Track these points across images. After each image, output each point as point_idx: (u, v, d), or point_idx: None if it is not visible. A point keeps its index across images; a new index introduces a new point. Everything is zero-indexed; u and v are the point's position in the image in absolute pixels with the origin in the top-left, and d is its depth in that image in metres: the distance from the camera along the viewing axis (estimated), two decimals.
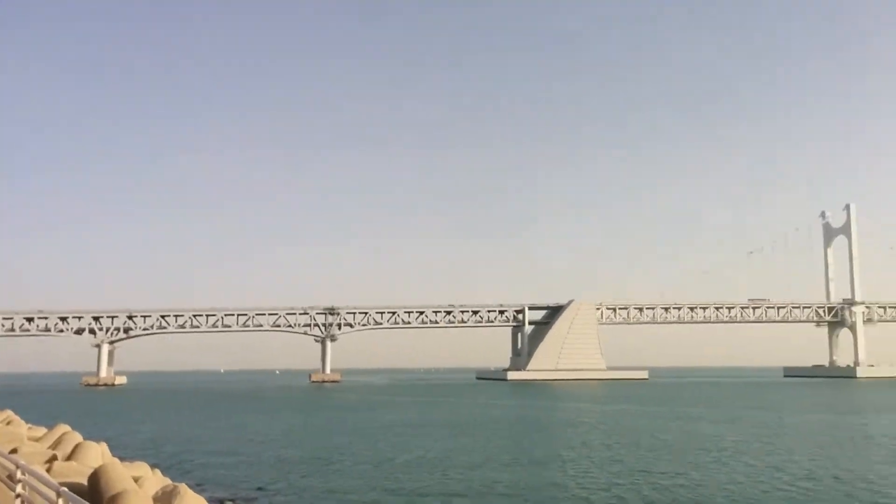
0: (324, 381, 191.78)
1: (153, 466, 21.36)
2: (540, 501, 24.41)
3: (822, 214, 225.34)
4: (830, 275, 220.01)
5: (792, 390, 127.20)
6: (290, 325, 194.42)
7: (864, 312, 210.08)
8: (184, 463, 34.62)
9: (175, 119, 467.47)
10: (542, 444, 42.70)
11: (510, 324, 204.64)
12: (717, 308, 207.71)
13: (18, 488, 10.77)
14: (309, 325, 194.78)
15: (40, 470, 12.60)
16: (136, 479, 15.40)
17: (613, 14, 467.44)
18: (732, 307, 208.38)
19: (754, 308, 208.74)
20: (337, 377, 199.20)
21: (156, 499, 10.96)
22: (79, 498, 6.88)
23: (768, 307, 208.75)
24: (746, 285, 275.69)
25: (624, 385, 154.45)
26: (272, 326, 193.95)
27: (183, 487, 11.34)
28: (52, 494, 9.03)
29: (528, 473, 30.62)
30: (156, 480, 16.57)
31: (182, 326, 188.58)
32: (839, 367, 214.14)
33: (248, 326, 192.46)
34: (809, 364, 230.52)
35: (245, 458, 36.77)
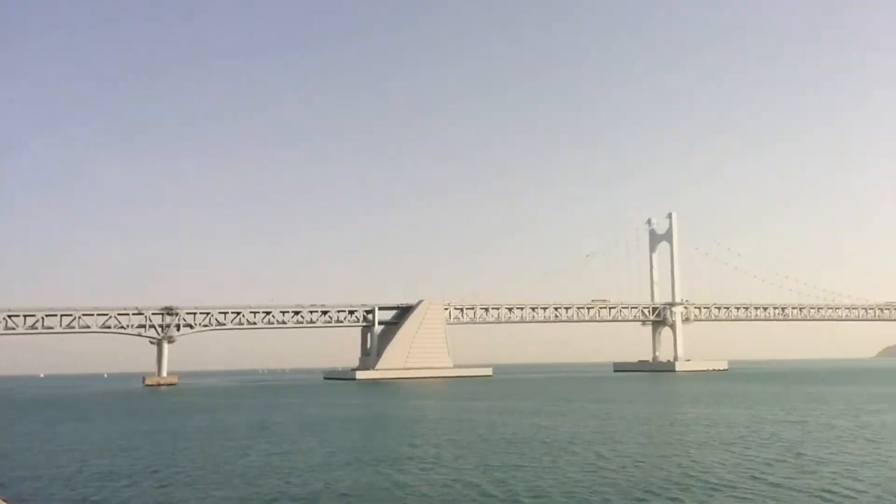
0: (159, 385, 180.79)
1: None
2: (381, 500, 24.51)
3: (649, 221, 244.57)
4: (655, 278, 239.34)
5: (620, 384, 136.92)
6: (122, 327, 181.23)
7: (682, 312, 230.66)
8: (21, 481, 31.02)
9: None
10: (385, 441, 42.92)
11: (360, 324, 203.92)
12: (556, 308, 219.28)
13: None
14: (144, 327, 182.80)
15: None
16: None
17: None
18: (570, 307, 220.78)
19: (589, 308, 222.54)
20: (174, 380, 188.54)
21: None
22: None
23: (601, 307, 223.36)
24: (583, 286, 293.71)
25: (469, 382, 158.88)
26: (101, 328, 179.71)
27: None
28: None
29: (369, 472, 30.65)
30: None
31: None
32: (661, 361, 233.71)
33: (73, 328, 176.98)
34: (636, 359, 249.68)
35: (64, 470, 33.79)
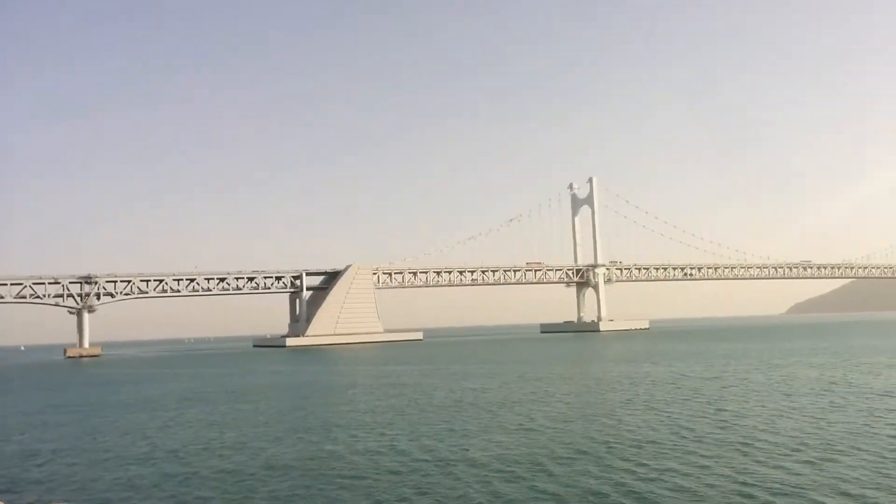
0: (81, 356, 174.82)
1: None
2: (310, 470, 24.97)
3: (570, 186, 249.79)
4: (577, 240, 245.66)
5: (546, 345, 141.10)
6: (37, 297, 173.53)
7: (604, 274, 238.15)
8: None
9: None
10: (316, 409, 43.31)
11: (288, 290, 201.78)
12: (483, 271, 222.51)
13: None
14: (62, 296, 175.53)
15: None
16: None
17: None
18: (497, 270, 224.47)
19: (515, 270, 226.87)
20: (97, 351, 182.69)
21: None
22: None
23: (527, 270, 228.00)
24: (508, 250, 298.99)
25: (400, 346, 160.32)
26: (16, 298, 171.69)
27: None
28: None
29: (301, 442, 31.01)
30: None
31: None
32: (585, 322, 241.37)
33: None
34: (562, 321, 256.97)
35: (14, 448, 32.74)
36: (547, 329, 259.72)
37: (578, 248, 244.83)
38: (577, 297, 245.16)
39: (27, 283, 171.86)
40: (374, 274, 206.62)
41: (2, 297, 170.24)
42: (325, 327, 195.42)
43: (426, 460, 25.58)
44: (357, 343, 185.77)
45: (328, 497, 20.72)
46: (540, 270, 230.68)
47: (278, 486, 22.17)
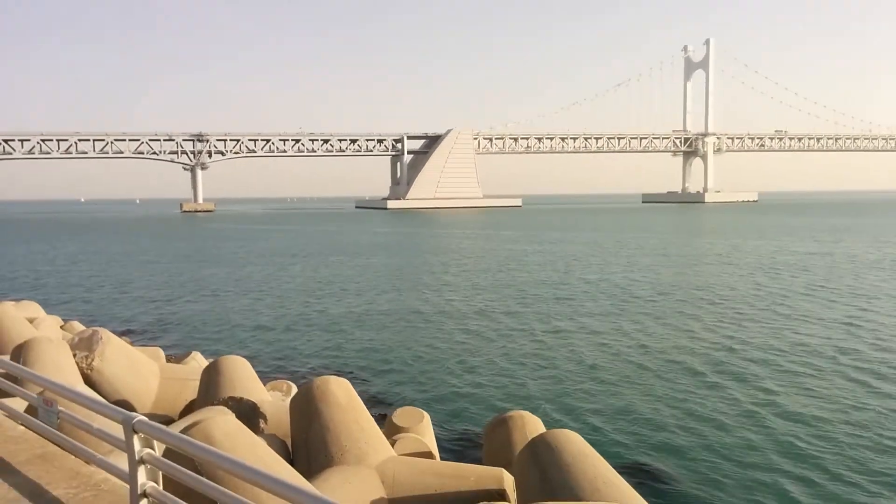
0: (196, 211, 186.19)
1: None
2: (415, 322, 25.91)
3: (685, 49, 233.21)
4: (688, 107, 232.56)
5: (648, 215, 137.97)
6: (154, 153, 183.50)
7: (714, 143, 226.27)
8: (70, 300, 32.90)
9: None
10: (423, 268, 44.54)
11: (389, 153, 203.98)
12: (585, 138, 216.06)
13: None
14: (176, 153, 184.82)
15: None
16: (31, 322, 14.84)
17: None
18: (600, 137, 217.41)
19: (619, 138, 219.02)
20: (210, 206, 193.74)
21: (73, 345, 10.64)
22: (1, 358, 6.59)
23: (632, 137, 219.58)
24: (612, 116, 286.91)
25: (499, 212, 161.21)
26: (134, 153, 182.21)
27: (104, 332, 11.04)
28: None
29: (388, 295, 32.12)
30: (52, 321, 16.06)
31: (30, 152, 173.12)
32: (690, 193, 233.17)
33: (106, 153, 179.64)
34: (665, 191, 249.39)
35: (142, 294, 35.88)
36: (649, 199, 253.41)
37: (688, 116, 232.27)
38: (683, 166, 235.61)
39: (144, 140, 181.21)
40: (475, 139, 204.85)
41: (121, 153, 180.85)
42: (425, 191, 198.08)
43: (505, 323, 25.95)
44: (456, 207, 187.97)
45: (410, 345, 21.50)
46: (646, 138, 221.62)
47: (365, 334, 23.18)
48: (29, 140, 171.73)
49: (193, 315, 28.38)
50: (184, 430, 6.11)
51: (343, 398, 8.18)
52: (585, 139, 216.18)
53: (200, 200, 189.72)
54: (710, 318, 25.82)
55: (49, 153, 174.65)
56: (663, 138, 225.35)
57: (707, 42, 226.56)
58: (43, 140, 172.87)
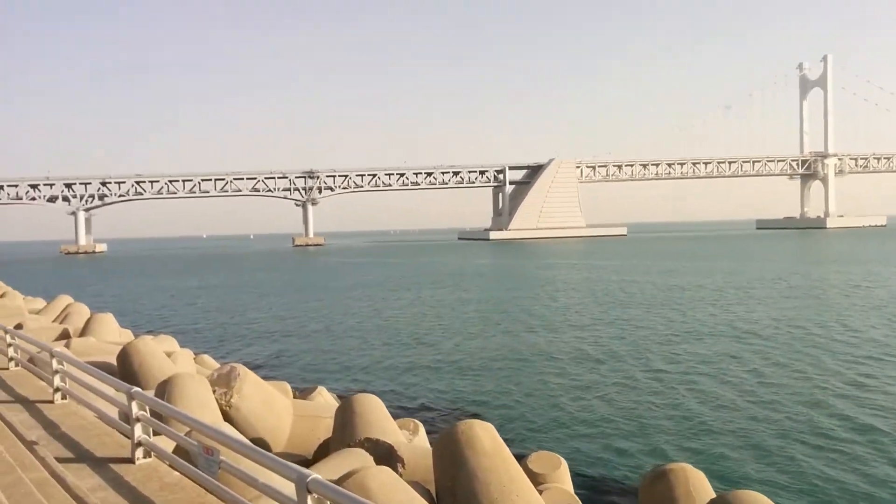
0: (308, 245, 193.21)
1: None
2: (543, 352, 25.13)
3: (800, 66, 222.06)
4: (805, 128, 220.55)
5: (765, 242, 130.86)
6: (269, 190, 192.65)
7: (836, 165, 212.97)
8: (202, 335, 33.93)
9: None
10: (532, 301, 43.71)
11: (491, 184, 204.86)
12: (693, 163, 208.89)
13: (56, 381, 9.35)
14: (288, 190, 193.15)
15: (70, 354, 12.33)
16: (168, 355, 15.34)
17: None
18: (709, 162, 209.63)
19: (730, 162, 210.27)
20: (321, 241, 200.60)
21: (212, 381, 10.77)
22: (148, 395, 6.59)
23: (744, 161, 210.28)
24: (722, 139, 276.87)
25: (603, 242, 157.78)
26: (251, 191, 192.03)
27: (241, 368, 11.16)
28: (100, 385, 8.25)
29: (493, 331, 31.40)
30: (187, 355, 16.59)
31: (158, 192, 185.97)
32: (810, 218, 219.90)
33: (226, 191, 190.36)
34: (781, 216, 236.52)
35: (261, 326, 37.14)
36: (764, 225, 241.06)
37: (806, 136, 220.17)
38: (802, 190, 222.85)
39: (260, 178, 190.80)
40: (577, 167, 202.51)
41: (239, 190, 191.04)
42: (528, 221, 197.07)
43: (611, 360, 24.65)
44: (559, 237, 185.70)
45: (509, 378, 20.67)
46: (759, 161, 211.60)
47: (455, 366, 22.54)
48: (158, 181, 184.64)
49: (311, 348, 28.90)
50: (337, 481, 5.82)
51: (489, 444, 7.73)
52: (693, 164, 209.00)
53: (311, 234, 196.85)
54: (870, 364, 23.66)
55: (175, 192, 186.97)
56: (778, 161, 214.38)
57: (824, 58, 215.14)
58: (170, 181, 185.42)
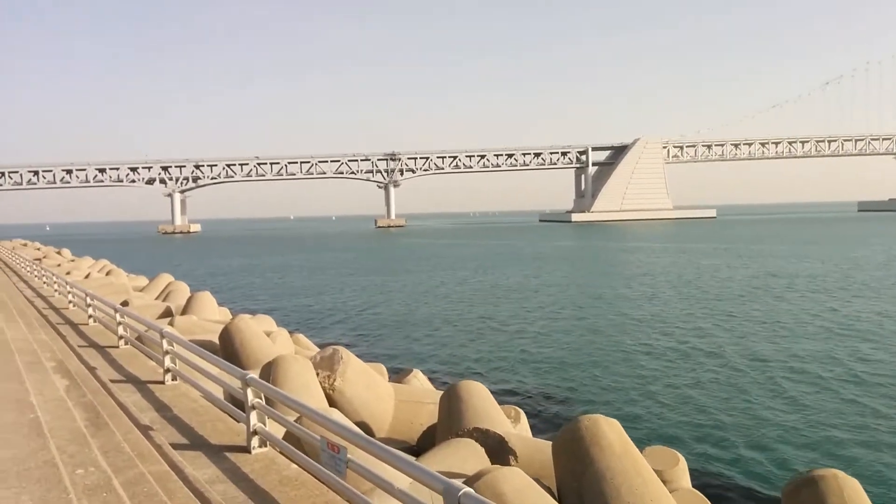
0: (389, 227, 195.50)
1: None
2: (626, 332, 24.12)
3: None
4: None
5: (867, 224, 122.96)
6: (352, 172, 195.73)
7: None
8: (295, 314, 34.23)
9: None
10: (614, 284, 42.34)
11: (573, 165, 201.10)
12: (790, 143, 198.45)
13: (167, 362, 9.31)
14: (371, 172, 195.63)
15: (178, 335, 12.42)
16: (267, 335, 15.41)
17: None
18: (807, 141, 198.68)
19: (830, 141, 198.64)
20: (402, 222, 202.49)
21: (315, 364, 10.58)
22: (263, 382, 6.31)
23: (845, 139, 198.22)
24: (821, 117, 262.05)
25: (691, 224, 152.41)
26: (335, 173, 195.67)
27: (344, 351, 10.93)
28: (208, 366, 8.07)
29: (607, 308, 30.35)
30: (285, 336, 16.65)
31: (248, 175, 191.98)
32: None
33: (311, 174, 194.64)
34: (886, 198, 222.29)
35: (350, 306, 37.49)
36: (866, 207, 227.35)
37: None
38: None
39: (344, 161, 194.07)
40: (664, 147, 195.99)
41: (324, 173, 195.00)
42: (611, 203, 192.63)
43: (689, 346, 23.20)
44: (644, 220, 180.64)
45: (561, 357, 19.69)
46: (861, 140, 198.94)
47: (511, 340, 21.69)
48: (247, 164, 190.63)
49: (398, 329, 28.83)
50: (467, 481, 5.36)
51: (617, 442, 7.12)
52: (790, 143, 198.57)
53: (393, 216, 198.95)
54: None
55: (264, 175, 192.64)
56: (883, 139, 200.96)
57: None
58: (259, 164, 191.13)
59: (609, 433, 7.20)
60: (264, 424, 6.29)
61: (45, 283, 26.95)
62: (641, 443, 12.52)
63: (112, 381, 9.47)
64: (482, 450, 8.53)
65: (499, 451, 8.77)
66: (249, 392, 6.23)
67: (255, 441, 6.26)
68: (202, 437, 6.74)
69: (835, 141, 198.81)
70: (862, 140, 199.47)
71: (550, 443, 8.91)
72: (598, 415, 7.48)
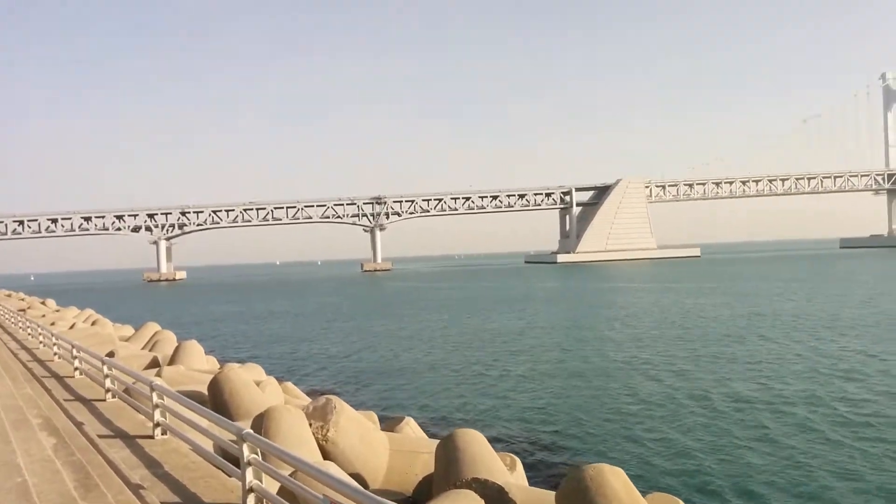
0: (376, 270, 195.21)
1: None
2: (610, 372, 23.99)
3: (883, 77, 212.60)
4: (890, 140, 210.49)
5: (853, 262, 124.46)
6: (338, 216, 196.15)
7: None
8: (282, 361, 33.68)
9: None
10: (601, 325, 42.32)
11: (557, 206, 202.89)
12: (770, 180, 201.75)
13: (157, 415, 9.13)
14: (357, 216, 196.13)
15: (168, 387, 12.18)
16: (257, 384, 15.15)
17: None
18: (786, 179, 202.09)
19: (809, 178, 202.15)
20: (388, 266, 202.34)
21: (308, 414, 10.39)
22: (260, 437, 6.17)
23: (824, 177, 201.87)
24: (800, 155, 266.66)
25: (675, 264, 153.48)
26: (321, 218, 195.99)
27: (337, 400, 10.76)
28: (199, 419, 7.93)
29: (553, 354, 30.24)
30: (274, 385, 16.39)
31: (234, 221, 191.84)
32: None
33: (297, 219, 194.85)
34: (867, 234, 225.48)
35: (337, 352, 37.15)
36: (848, 244, 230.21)
37: (891, 150, 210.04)
38: (889, 206, 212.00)
39: (329, 205, 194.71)
40: (647, 187, 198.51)
41: (310, 218, 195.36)
42: (596, 243, 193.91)
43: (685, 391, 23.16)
44: (629, 259, 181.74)
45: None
46: (841, 177, 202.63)
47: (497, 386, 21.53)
48: (233, 210, 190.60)
49: (388, 374, 28.50)
50: None
51: (623, 493, 6.99)
52: (770, 181, 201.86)
53: (379, 260, 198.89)
54: None
55: (250, 220, 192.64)
56: (862, 175, 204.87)
57: None
58: (245, 209, 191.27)
59: (614, 483, 7.08)
60: (260, 481, 6.12)
61: (29, 334, 26.51)
62: (637, 489, 12.35)
63: (100, 436, 9.24)
64: (482, 501, 8.34)
65: (498, 501, 8.59)
66: (245, 448, 6.08)
67: (251, 499, 6.08)
68: (195, 494, 6.56)
69: (814, 178, 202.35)
70: (841, 177, 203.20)
71: (550, 492, 8.75)
72: (603, 464, 7.37)
